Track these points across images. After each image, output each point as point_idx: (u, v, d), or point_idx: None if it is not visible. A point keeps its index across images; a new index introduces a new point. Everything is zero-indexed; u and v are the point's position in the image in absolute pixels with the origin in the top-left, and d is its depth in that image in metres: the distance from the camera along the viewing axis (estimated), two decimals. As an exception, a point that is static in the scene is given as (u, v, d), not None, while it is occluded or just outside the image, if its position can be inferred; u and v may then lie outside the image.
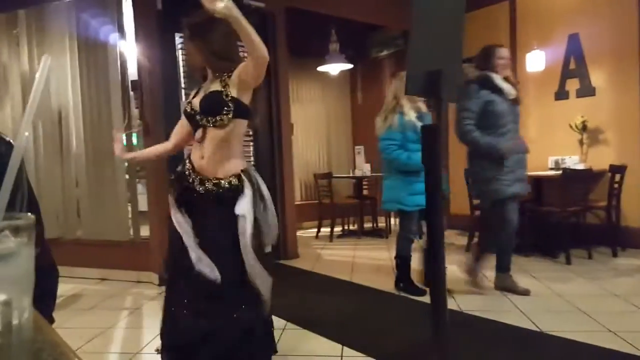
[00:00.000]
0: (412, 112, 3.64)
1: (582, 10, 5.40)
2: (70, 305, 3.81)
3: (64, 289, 4.27)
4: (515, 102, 3.59)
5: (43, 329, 0.59)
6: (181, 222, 2.18)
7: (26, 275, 0.42)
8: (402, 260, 3.87)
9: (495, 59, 3.59)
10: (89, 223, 4.72)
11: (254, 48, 1.93)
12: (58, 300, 3.85)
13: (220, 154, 2.14)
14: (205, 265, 2.04)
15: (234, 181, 2.13)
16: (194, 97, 2.26)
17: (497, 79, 3.53)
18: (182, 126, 2.40)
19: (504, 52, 3.65)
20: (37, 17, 4.73)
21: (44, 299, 0.94)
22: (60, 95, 4.72)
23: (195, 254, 2.07)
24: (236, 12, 1.81)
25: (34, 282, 0.90)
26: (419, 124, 3.49)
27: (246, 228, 2.07)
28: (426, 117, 3.71)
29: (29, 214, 0.43)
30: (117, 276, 4.53)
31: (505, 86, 3.52)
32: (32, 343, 0.45)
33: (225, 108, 2.09)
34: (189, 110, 2.22)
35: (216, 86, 2.14)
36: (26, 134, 0.45)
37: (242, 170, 2.17)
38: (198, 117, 2.15)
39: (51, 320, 0.99)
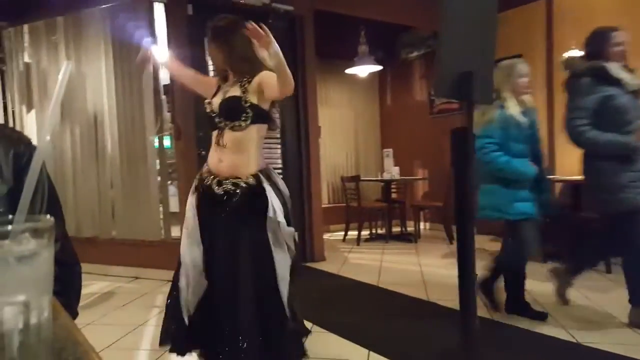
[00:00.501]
0: (516, 107, 3.11)
1: (623, 8, 5.21)
2: (104, 303, 3.89)
3: (99, 286, 4.39)
4: (638, 94, 2.98)
5: (67, 327, 0.59)
6: (189, 222, 2.24)
7: (45, 276, 0.43)
8: (513, 277, 3.33)
9: (610, 45, 3.02)
10: (123, 223, 4.84)
11: (286, 83, 2.00)
12: (93, 298, 3.96)
13: (238, 157, 2.16)
14: (197, 272, 2.14)
15: (252, 181, 2.14)
16: (213, 96, 2.29)
17: (615, 69, 2.95)
18: (200, 81, 2.49)
19: (621, 36, 3.05)
20: (74, 24, 4.88)
21: (67, 292, 0.96)
22: (95, 99, 4.85)
23: (190, 257, 2.16)
24: (279, 52, 1.96)
25: (57, 276, 0.92)
26: (524, 120, 3.07)
27: (275, 227, 2.09)
28: (531, 112, 3.20)
29: (48, 215, 0.43)
30: (149, 275, 4.62)
31: (626, 76, 2.94)
32: (52, 342, 0.45)
33: (244, 114, 2.13)
34: (208, 110, 2.27)
35: (236, 91, 2.18)
36: (47, 138, 0.46)
37: (259, 170, 2.18)
38: (217, 119, 2.19)
39: (74, 314, 1.00)
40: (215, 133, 2.23)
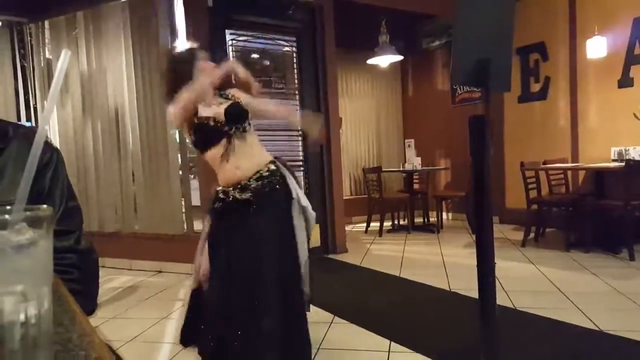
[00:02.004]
0: None
1: (648, -8, 5.08)
2: (128, 296, 3.96)
3: (122, 280, 4.46)
4: None
5: (73, 317, 0.60)
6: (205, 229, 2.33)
7: (44, 266, 0.43)
8: None
9: None
10: (145, 217, 4.90)
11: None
12: (116, 292, 4.03)
13: (253, 156, 2.21)
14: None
15: (272, 167, 2.20)
16: (196, 114, 2.22)
17: None
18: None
19: None
20: (94, 18, 4.94)
21: (87, 280, 0.98)
22: (116, 94, 4.90)
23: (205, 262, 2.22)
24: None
25: (75, 264, 0.93)
26: None
27: (299, 210, 2.17)
28: None
29: (45, 205, 0.43)
30: (172, 268, 4.68)
31: None
32: (52, 334, 0.46)
33: (247, 117, 2.21)
34: (212, 124, 2.17)
35: (225, 100, 2.24)
36: (46, 127, 0.46)
37: (274, 158, 2.27)
38: (226, 127, 2.16)
39: (94, 303, 1.02)
40: (222, 146, 2.17)
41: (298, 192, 2.20)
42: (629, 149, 4.95)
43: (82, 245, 0.96)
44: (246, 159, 2.17)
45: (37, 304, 0.41)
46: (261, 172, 2.16)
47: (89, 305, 1.04)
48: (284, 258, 2.12)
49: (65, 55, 0.48)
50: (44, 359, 0.43)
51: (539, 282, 3.78)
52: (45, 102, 5.22)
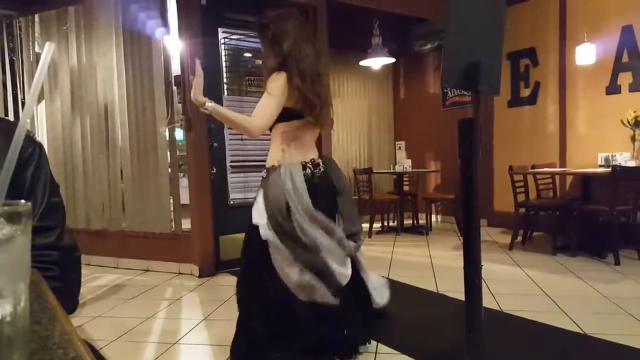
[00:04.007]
0: None
1: (636, 1, 5.13)
2: (114, 295, 3.93)
3: (109, 279, 4.43)
4: None
5: (53, 315, 0.59)
6: None
7: (21, 263, 0.42)
8: None
9: None
10: (133, 215, 4.85)
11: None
12: (102, 290, 3.99)
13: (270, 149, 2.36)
14: None
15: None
16: None
17: None
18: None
19: None
20: (85, 13, 4.89)
21: (67, 277, 0.97)
22: (106, 90, 4.86)
23: None
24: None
25: (57, 261, 0.92)
26: None
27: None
28: None
29: (23, 201, 0.42)
30: (159, 267, 4.65)
31: None
32: (28, 333, 0.45)
33: None
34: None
35: None
36: (27, 120, 0.45)
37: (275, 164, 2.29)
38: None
39: (75, 302, 1.01)
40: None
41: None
42: (615, 155, 5.01)
43: (64, 242, 0.95)
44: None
45: (14, 301, 0.41)
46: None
47: (70, 303, 1.03)
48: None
49: (49, 47, 0.48)
50: (20, 358, 0.42)
51: (526, 285, 3.80)
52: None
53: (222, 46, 4.62)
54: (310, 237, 2.11)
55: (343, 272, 2.16)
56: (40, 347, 0.49)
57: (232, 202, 4.63)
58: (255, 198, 2.30)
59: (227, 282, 4.17)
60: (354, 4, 5.43)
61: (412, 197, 6.88)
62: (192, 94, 2.15)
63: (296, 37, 2.20)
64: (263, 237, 2.13)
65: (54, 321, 0.58)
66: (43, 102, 5.16)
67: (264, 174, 2.30)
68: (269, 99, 2.16)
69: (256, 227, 2.17)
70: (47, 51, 0.47)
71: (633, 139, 5.07)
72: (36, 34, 5.15)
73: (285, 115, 2.24)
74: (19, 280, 0.42)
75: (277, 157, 2.29)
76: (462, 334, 1.68)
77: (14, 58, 5.20)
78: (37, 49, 5.16)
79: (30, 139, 0.96)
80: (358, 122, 7.99)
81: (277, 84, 2.15)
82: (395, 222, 6.77)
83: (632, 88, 5.18)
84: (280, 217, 2.12)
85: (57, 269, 0.94)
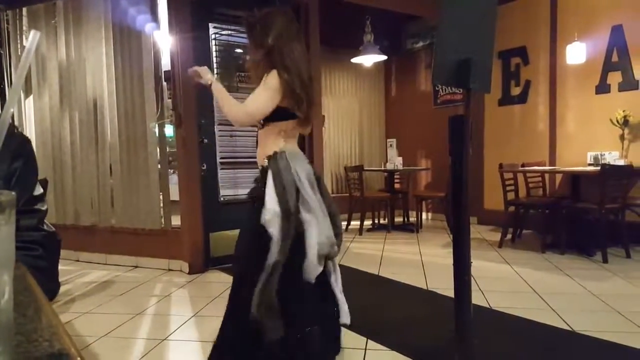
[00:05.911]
0: None
1: (626, 1, 5.18)
2: (102, 291, 3.90)
3: (97, 275, 4.39)
4: None
5: (40, 308, 0.58)
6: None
7: (4, 254, 0.41)
8: None
9: None
10: (122, 211, 4.81)
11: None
12: (91, 287, 3.97)
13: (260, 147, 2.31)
14: None
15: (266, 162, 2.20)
16: None
17: None
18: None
19: None
20: (74, 7, 4.83)
21: (50, 257, 0.98)
22: (95, 85, 4.81)
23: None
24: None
25: (39, 241, 0.91)
26: None
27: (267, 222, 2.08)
28: None
29: (8, 190, 0.41)
30: (149, 264, 4.62)
31: None
32: (12, 327, 0.44)
33: None
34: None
35: None
36: (11, 110, 0.44)
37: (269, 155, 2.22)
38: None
39: (56, 282, 1.02)
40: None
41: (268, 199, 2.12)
42: (604, 154, 5.05)
43: (47, 225, 0.95)
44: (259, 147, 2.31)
45: (-2, 292, 0.40)
46: (262, 165, 2.22)
47: (53, 285, 1.03)
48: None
49: (34, 36, 0.47)
50: (4, 350, 0.42)
51: (515, 283, 3.83)
52: (20, 90, 5.11)
53: (213, 42, 4.59)
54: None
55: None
56: (25, 340, 0.49)
57: (222, 199, 4.61)
58: (248, 192, 2.31)
59: (217, 279, 4.15)
60: (345, 0, 5.43)
61: (403, 194, 6.90)
62: (198, 67, 2.22)
63: (282, 32, 2.18)
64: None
65: (39, 314, 0.57)
66: (31, 96, 5.11)
67: (264, 162, 2.24)
68: (264, 90, 2.12)
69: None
70: (32, 40, 0.47)
71: (622, 138, 5.12)
72: (24, 28, 5.09)
73: (282, 114, 2.23)
74: (3, 271, 0.41)
75: (278, 145, 2.25)
76: (452, 331, 1.69)
77: (1, 52, 5.13)
78: (24, 43, 5.10)
79: (20, 135, 0.96)
80: (349, 119, 7.99)
81: (275, 80, 2.13)
82: (386, 219, 6.78)
83: (622, 87, 5.22)
84: (292, 203, 2.10)
85: (41, 249, 0.94)
